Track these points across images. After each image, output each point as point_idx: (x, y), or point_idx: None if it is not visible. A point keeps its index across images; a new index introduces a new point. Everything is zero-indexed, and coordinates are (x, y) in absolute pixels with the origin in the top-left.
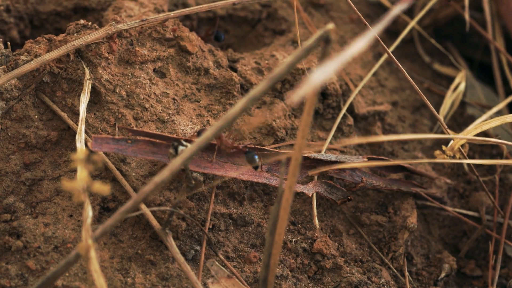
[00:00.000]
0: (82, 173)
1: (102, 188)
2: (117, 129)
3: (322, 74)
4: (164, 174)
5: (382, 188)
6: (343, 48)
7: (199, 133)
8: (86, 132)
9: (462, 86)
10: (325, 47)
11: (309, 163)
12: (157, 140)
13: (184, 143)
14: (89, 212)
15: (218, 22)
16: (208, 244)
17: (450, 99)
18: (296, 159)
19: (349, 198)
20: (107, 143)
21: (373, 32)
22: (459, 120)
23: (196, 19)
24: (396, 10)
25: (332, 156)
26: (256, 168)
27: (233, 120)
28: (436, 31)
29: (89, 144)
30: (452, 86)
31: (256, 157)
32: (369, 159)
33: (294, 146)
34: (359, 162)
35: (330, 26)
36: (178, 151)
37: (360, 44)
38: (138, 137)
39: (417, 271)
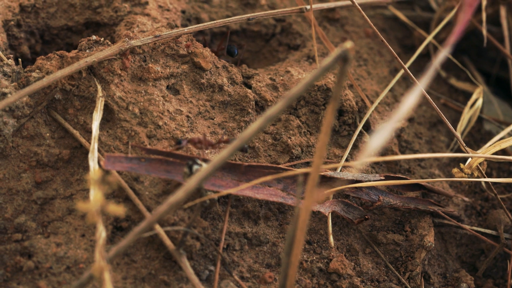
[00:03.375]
0: (96, 194)
1: (117, 209)
2: (130, 147)
3: (380, 138)
4: (178, 195)
5: (399, 207)
6: (359, 63)
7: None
8: (98, 150)
9: (479, 102)
10: (343, 66)
11: (326, 181)
12: (171, 159)
13: (199, 162)
14: (102, 233)
15: (230, 37)
16: (222, 264)
17: (467, 115)
18: (313, 180)
19: (366, 217)
20: (120, 162)
21: (420, 86)
22: (477, 136)
23: (209, 34)
24: (440, 57)
25: (348, 175)
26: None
27: (249, 140)
28: (453, 45)
29: (101, 163)
30: (470, 102)
31: None
32: (386, 177)
33: (312, 166)
34: (376, 180)
35: (348, 44)
36: (193, 170)
37: (410, 101)
38: (151, 156)
39: None
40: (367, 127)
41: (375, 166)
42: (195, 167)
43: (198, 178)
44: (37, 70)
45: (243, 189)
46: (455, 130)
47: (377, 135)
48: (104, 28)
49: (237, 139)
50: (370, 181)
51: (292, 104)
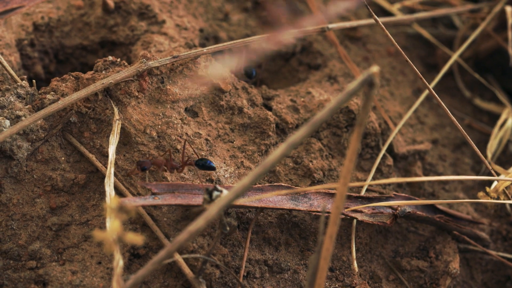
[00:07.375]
0: (113, 223)
1: (135, 238)
2: (147, 172)
3: None
4: (199, 223)
5: (423, 217)
6: (381, 83)
7: (138, 163)
8: (115, 174)
9: (509, 123)
10: (368, 91)
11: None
12: (186, 193)
13: (219, 188)
14: (119, 262)
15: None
16: None
17: (497, 137)
18: (338, 207)
19: (395, 213)
20: (135, 202)
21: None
22: (502, 158)
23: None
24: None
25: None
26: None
27: (271, 167)
28: (477, 64)
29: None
30: (499, 123)
31: None
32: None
33: (336, 193)
34: (398, 200)
35: (375, 69)
36: (213, 196)
37: None
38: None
39: None
40: (390, 150)
41: (398, 190)
42: (215, 193)
43: (219, 205)
44: (52, 92)
45: (269, 201)
46: (483, 153)
47: None
48: (120, 47)
49: (260, 166)
50: (392, 200)
51: None
